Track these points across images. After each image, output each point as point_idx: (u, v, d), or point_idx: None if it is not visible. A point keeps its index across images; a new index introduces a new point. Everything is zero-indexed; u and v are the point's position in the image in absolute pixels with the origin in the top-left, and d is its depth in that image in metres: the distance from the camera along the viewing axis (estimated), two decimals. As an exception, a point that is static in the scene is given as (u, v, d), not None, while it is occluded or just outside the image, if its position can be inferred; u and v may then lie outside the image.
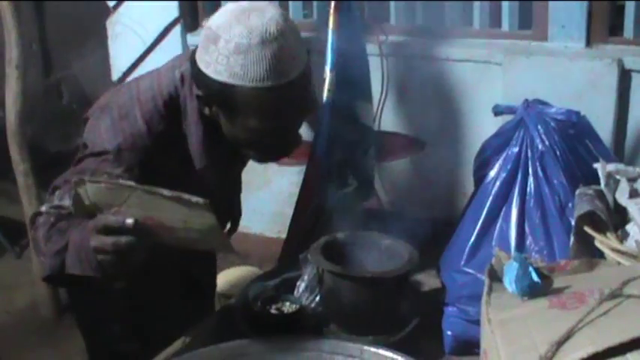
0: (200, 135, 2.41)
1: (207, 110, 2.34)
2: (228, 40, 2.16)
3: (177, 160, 2.42)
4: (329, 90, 3.40)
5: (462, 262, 2.45)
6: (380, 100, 4.59)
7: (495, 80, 4.35)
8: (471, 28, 4.63)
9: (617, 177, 2.34)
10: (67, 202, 2.25)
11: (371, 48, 4.41)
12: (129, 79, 5.34)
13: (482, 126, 3.78)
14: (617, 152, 4.05)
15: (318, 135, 3.35)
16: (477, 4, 4.56)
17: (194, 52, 2.32)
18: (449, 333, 2.39)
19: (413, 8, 4.78)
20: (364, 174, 3.48)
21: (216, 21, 2.22)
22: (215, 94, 2.25)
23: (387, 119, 4.68)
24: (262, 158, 2.48)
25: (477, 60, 4.46)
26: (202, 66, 2.23)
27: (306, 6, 5.10)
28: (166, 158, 2.38)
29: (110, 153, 2.31)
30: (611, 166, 2.37)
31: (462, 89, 4.46)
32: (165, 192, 1.95)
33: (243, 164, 2.78)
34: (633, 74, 4.08)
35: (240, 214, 3.04)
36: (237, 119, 2.28)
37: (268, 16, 2.17)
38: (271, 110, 2.23)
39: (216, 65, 2.19)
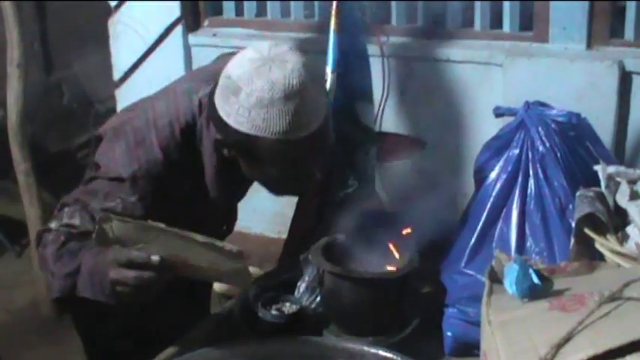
0: (214, 164, 2.40)
1: (225, 152, 2.31)
2: (249, 93, 2.11)
3: (191, 187, 2.41)
4: (330, 91, 3.40)
5: (463, 264, 2.45)
6: (381, 101, 4.59)
7: (496, 81, 4.35)
8: (471, 30, 4.64)
9: (618, 179, 2.34)
10: (77, 221, 2.27)
11: (372, 49, 4.41)
12: (130, 78, 5.35)
13: (483, 127, 3.79)
14: (618, 154, 4.05)
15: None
16: (477, 4, 4.57)
17: (212, 92, 2.26)
18: (449, 334, 2.39)
19: (414, 9, 4.78)
20: (365, 175, 3.48)
21: (236, 71, 2.16)
22: (235, 142, 2.22)
23: (388, 120, 4.68)
24: (279, 194, 2.47)
25: (477, 61, 4.46)
26: (222, 114, 2.19)
27: (307, 6, 5.10)
28: (180, 185, 2.38)
29: (125, 180, 2.31)
30: (611, 168, 2.37)
31: (462, 90, 4.47)
32: (199, 237, 1.97)
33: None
34: (634, 76, 4.09)
35: (235, 218, 3.02)
36: (256, 166, 2.27)
37: (290, 68, 2.11)
38: (291, 160, 2.22)
39: (237, 117, 2.15)
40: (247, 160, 2.28)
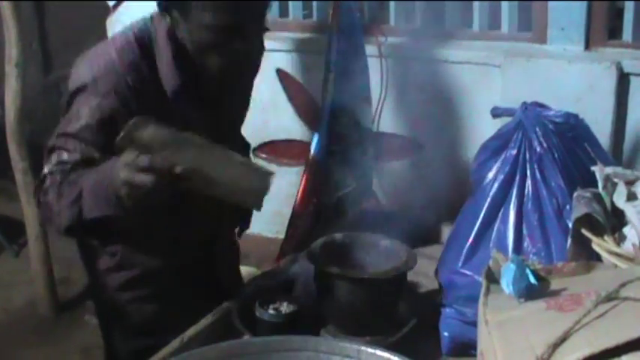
0: (169, 56, 2.46)
1: (168, 19, 2.43)
2: None
3: (155, 99, 2.46)
4: (328, 91, 3.40)
5: (460, 264, 2.46)
6: (379, 102, 4.59)
7: (494, 82, 4.36)
8: (470, 30, 4.64)
9: (615, 180, 2.35)
10: (65, 156, 2.34)
11: (370, 49, 4.42)
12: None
13: (481, 128, 3.79)
14: (615, 155, 4.06)
15: (317, 135, 3.36)
16: (476, 5, 4.57)
17: None
18: (446, 334, 2.40)
19: (412, 10, 4.78)
20: (363, 175, 3.49)
21: None
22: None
23: (386, 120, 4.68)
24: (222, 67, 2.44)
25: (476, 62, 4.47)
26: None
27: (306, 6, 5.10)
28: (143, 95, 2.43)
29: (87, 84, 2.38)
30: (608, 169, 2.37)
31: (460, 91, 4.47)
32: (238, 157, 2.01)
33: (230, 118, 2.79)
34: (632, 77, 4.09)
35: (249, 213, 3.05)
36: (193, 17, 2.35)
37: None
38: (223, 4, 2.32)
39: None
40: (185, 15, 2.37)
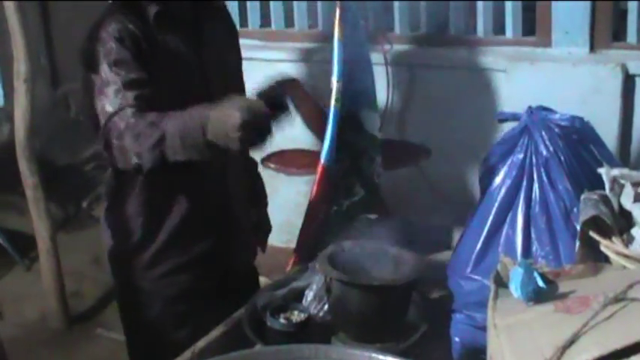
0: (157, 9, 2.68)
1: None
2: None
3: (146, 37, 2.65)
4: (336, 99, 3.41)
5: (469, 269, 2.46)
6: (385, 109, 4.60)
7: (499, 87, 4.37)
8: (474, 36, 4.65)
9: (622, 181, 2.35)
10: (119, 83, 2.51)
11: (376, 57, 4.43)
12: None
13: (487, 132, 3.80)
14: (622, 157, 4.06)
15: (325, 144, 3.36)
16: (480, 10, 4.58)
17: None
18: (457, 339, 2.40)
19: (417, 16, 4.79)
20: (371, 183, 3.50)
21: None
22: None
23: (393, 127, 4.69)
24: None
25: (481, 67, 4.48)
26: None
27: (311, 16, 5.12)
28: (139, 35, 2.63)
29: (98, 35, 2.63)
30: (615, 171, 2.37)
31: (466, 96, 4.47)
32: None
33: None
34: (637, 79, 4.10)
35: (269, 228, 3.16)
36: None
37: None
38: None
39: None
40: None
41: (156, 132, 2.38)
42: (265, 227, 3.26)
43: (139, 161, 2.42)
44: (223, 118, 2.29)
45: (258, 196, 3.24)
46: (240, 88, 3.05)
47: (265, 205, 3.28)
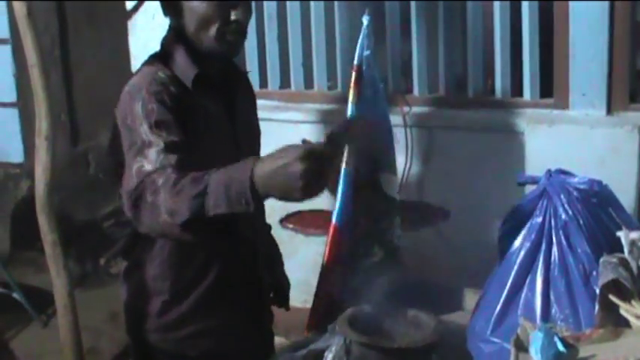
0: (183, 53, 2.68)
1: (170, 11, 2.69)
2: None
3: (182, 97, 2.64)
4: (347, 162, 3.42)
5: (489, 332, 2.47)
6: (404, 171, 4.62)
7: (518, 149, 4.37)
8: (493, 97, 4.67)
9: (640, 244, 2.35)
10: (161, 145, 2.47)
11: (395, 119, 4.46)
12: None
13: (506, 195, 3.80)
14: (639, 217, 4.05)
15: (337, 205, 3.38)
16: (498, 72, 4.60)
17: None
18: (477, 403, 2.40)
19: (436, 79, 4.82)
20: (390, 244, 3.51)
21: None
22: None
23: (412, 189, 4.70)
24: (226, 35, 2.67)
25: (499, 129, 4.49)
26: None
27: (331, 77, 5.15)
28: (176, 95, 2.62)
29: (138, 92, 2.58)
30: (634, 234, 2.38)
31: (485, 158, 4.48)
32: None
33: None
34: (655, 141, 4.10)
35: (289, 286, 3.22)
36: (190, 13, 2.62)
37: None
38: None
39: None
40: (181, 6, 2.64)
41: (198, 185, 2.32)
42: (285, 286, 3.26)
43: (171, 219, 2.40)
44: (281, 168, 2.21)
45: (274, 256, 3.25)
46: (259, 151, 3.08)
47: (282, 264, 3.29)
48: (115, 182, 2.61)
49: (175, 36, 2.73)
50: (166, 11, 2.72)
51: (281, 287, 3.22)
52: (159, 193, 2.36)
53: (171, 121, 2.53)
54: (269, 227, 3.23)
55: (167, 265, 2.78)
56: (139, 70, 2.71)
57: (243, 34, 2.73)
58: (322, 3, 5.00)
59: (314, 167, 2.17)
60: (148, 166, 2.44)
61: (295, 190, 2.20)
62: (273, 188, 2.24)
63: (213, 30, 2.64)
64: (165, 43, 2.76)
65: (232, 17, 2.63)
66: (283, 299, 3.23)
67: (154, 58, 2.72)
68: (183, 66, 2.69)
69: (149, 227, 2.44)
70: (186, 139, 2.53)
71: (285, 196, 2.25)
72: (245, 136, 2.87)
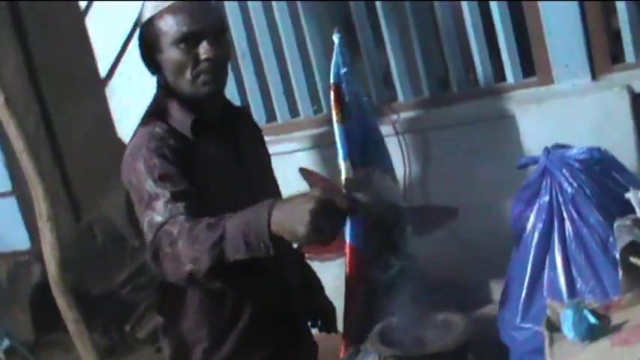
0: (176, 104, 2.72)
1: (153, 69, 2.74)
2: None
3: (185, 147, 2.66)
4: (346, 179, 3.40)
5: (518, 319, 2.45)
6: (404, 177, 4.60)
7: (512, 133, 4.36)
8: (477, 88, 4.65)
9: (652, 201, 2.34)
10: (167, 196, 2.50)
11: (385, 129, 4.45)
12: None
13: (510, 180, 3.77)
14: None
15: (350, 225, 3.36)
16: (477, 62, 4.58)
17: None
18: (521, 391, 2.39)
19: (418, 82, 4.82)
20: (405, 253, 3.48)
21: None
22: (148, 38, 2.70)
23: (415, 194, 4.69)
24: (200, 76, 2.69)
25: (490, 117, 4.47)
26: (139, 29, 2.73)
27: (315, 102, 5.14)
28: (177, 147, 2.65)
29: (141, 151, 2.61)
30: (642, 193, 2.37)
31: (482, 149, 4.47)
32: None
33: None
34: (644, 96, 4.08)
35: (332, 308, 3.21)
36: (165, 42, 2.67)
37: None
38: (184, 18, 2.64)
39: (144, 13, 2.70)
40: (162, 49, 2.68)
41: (215, 232, 2.34)
42: (330, 310, 3.24)
43: (195, 267, 2.38)
44: (292, 214, 2.25)
45: (311, 283, 3.25)
46: (275, 185, 3.08)
47: (322, 289, 3.28)
48: (124, 249, 2.62)
49: (165, 90, 2.76)
50: (150, 69, 2.77)
51: (326, 313, 3.21)
52: (176, 244, 2.38)
53: (175, 173, 2.55)
54: (300, 255, 3.23)
55: (201, 314, 2.77)
56: (136, 132, 2.73)
57: (219, 69, 2.74)
58: (292, 33, 5.01)
59: (322, 214, 2.20)
60: (158, 218, 2.46)
61: (307, 241, 2.25)
62: (288, 237, 2.26)
63: (187, 75, 2.67)
64: (157, 99, 2.79)
65: (203, 57, 2.66)
66: (330, 324, 3.22)
67: (148, 117, 2.75)
68: (179, 117, 2.71)
69: (175, 277, 2.46)
70: (192, 187, 2.54)
71: (295, 241, 2.28)
72: (254, 172, 2.87)
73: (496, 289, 3.06)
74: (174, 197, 2.48)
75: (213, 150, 2.74)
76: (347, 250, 3.17)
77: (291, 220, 2.23)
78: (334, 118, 3.55)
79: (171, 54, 2.67)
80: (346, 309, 3.37)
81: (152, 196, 2.51)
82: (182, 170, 2.57)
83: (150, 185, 2.53)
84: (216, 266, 2.35)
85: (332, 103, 3.58)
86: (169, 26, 2.66)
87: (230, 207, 2.41)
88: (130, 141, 2.73)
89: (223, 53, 2.74)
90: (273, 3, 5.00)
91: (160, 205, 2.48)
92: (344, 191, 2.36)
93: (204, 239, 2.34)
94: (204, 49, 2.66)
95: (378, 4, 4.67)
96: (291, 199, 2.29)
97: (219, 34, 2.73)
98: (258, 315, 2.80)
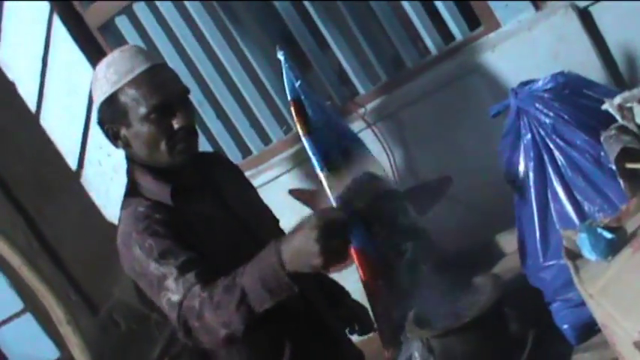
0: (149, 177, 2.72)
1: (120, 144, 2.72)
2: (99, 68, 2.70)
3: (173, 216, 2.65)
4: (330, 187, 3.38)
5: (541, 260, 2.45)
6: (391, 164, 4.59)
7: (479, 86, 4.36)
8: (430, 56, 4.65)
9: (628, 105, 2.34)
10: (177, 269, 2.49)
11: (357, 125, 4.46)
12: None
13: (491, 132, 3.77)
14: (617, 83, 4.03)
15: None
16: (422, 31, 4.58)
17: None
18: (565, 326, 2.38)
19: (371, 69, 4.82)
20: (414, 234, 3.47)
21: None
22: (111, 114, 2.67)
23: (407, 176, 4.68)
24: (176, 146, 2.67)
25: (452, 80, 4.47)
26: (98, 107, 2.70)
27: (282, 123, 5.14)
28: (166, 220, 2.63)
29: (131, 236, 2.61)
30: (617, 99, 2.37)
31: (455, 112, 4.45)
32: None
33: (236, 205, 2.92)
34: (589, 9, 4.08)
35: (363, 308, 3.24)
36: (133, 117, 2.64)
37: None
38: (149, 90, 2.61)
39: (101, 90, 2.67)
40: (127, 122, 2.66)
41: (234, 293, 2.34)
42: (361, 312, 3.23)
43: (229, 330, 2.39)
44: (301, 249, 2.26)
45: (335, 292, 3.24)
46: (270, 214, 3.08)
47: (347, 294, 3.27)
48: (149, 325, 2.61)
49: (135, 164, 2.75)
50: (116, 144, 2.74)
51: (358, 315, 3.20)
52: (203, 316, 2.38)
53: (172, 246, 2.54)
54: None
55: (245, 358, 2.77)
56: (121, 216, 2.71)
57: (192, 135, 2.73)
58: (239, 65, 5.02)
59: (332, 241, 2.22)
60: (175, 297, 2.45)
61: (318, 267, 2.22)
62: (302, 269, 2.25)
63: (162, 146, 2.64)
64: (130, 176, 2.77)
65: (175, 126, 2.63)
66: (366, 325, 3.21)
67: (126, 197, 2.74)
68: (156, 189, 2.69)
69: (214, 345, 2.46)
70: (195, 253, 2.53)
71: (312, 271, 2.26)
72: (246, 213, 2.87)
73: (507, 240, 3.05)
74: (181, 270, 2.48)
75: (199, 208, 2.73)
76: (354, 256, 3.16)
77: (304, 256, 2.23)
78: (300, 132, 3.55)
79: (142, 128, 2.64)
80: (373, 309, 3.36)
81: (160, 278, 2.51)
82: (177, 241, 2.56)
83: (154, 268, 2.53)
84: (249, 323, 2.36)
85: (295, 118, 3.58)
86: (135, 101, 2.62)
87: (235, 256, 2.41)
88: (118, 226, 2.72)
89: (193, 116, 2.73)
90: (213, 44, 5.01)
91: (171, 283, 2.48)
92: (335, 203, 2.36)
93: (227, 304, 2.34)
94: (177, 119, 2.63)
95: (310, 10, 4.67)
96: (293, 234, 2.29)
97: (185, 98, 2.71)
98: (298, 344, 2.80)
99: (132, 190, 2.75)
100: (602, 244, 1.81)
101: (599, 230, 1.84)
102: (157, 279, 2.52)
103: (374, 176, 3.09)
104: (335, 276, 3.38)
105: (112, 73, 2.65)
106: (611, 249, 1.80)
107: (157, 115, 2.61)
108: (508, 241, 2.97)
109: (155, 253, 2.53)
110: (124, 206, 2.73)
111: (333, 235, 2.22)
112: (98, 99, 2.69)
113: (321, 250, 2.19)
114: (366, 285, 3.18)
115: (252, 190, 3.13)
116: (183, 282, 2.46)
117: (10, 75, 5.53)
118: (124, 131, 2.68)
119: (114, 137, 2.72)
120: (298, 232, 2.26)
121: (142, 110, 2.61)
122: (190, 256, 2.52)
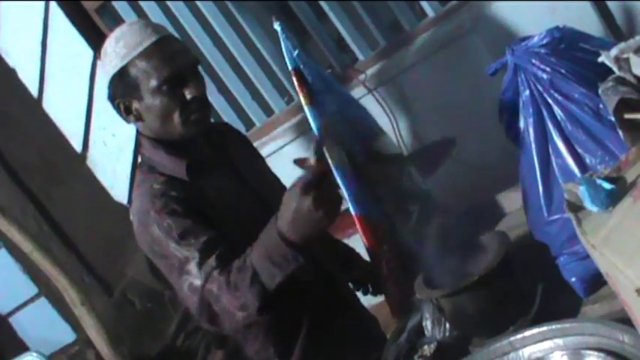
0: (162, 152, 2.74)
1: (132, 119, 2.73)
2: (108, 43, 2.71)
3: (191, 193, 2.68)
4: (332, 157, 3.38)
5: (545, 215, 2.45)
6: (394, 129, 4.60)
7: (478, 45, 4.36)
8: (427, 19, 4.64)
9: (625, 56, 2.34)
10: (197, 252, 2.51)
11: (358, 92, 4.47)
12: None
13: (491, 91, 3.78)
14: (614, 35, 4.02)
15: (348, 199, 3.34)
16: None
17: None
18: (573, 279, 2.38)
19: (369, 35, 4.82)
20: (419, 196, 3.48)
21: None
22: (122, 88, 2.68)
23: (411, 140, 4.70)
24: (190, 116, 2.69)
25: (450, 40, 4.47)
26: (109, 82, 2.71)
27: (283, 94, 5.15)
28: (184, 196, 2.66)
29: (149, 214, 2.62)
30: (614, 51, 2.37)
31: (454, 73, 4.47)
32: None
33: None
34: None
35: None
36: (145, 90, 2.65)
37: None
38: (160, 62, 2.63)
39: (111, 64, 2.67)
40: (139, 95, 2.67)
41: (246, 272, 2.38)
42: (372, 270, 3.22)
43: (246, 311, 2.41)
44: (296, 213, 2.29)
45: (348, 256, 3.25)
46: (280, 184, 3.10)
47: (358, 255, 3.28)
48: (164, 302, 2.63)
49: (146, 139, 2.75)
50: (127, 119, 2.74)
51: (370, 275, 3.19)
52: (221, 300, 2.41)
53: (192, 225, 2.55)
54: (328, 236, 3.21)
55: (264, 335, 2.80)
56: (134, 192, 2.73)
57: (205, 105, 2.73)
58: (238, 39, 5.02)
59: (319, 192, 2.24)
60: (197, 281, 2.47)
61: (320, 220, 2.23)
62: (306, 232, 2.26)
63: (176, 118, 2.64)
64: (141, 150, 2.78)
65: (188, 97, 2.63)
66: (379, 284, 3.19)
67: (141, 171, 2.74)
68: (170, 164, 2.71)
69: (233, 329, 2.49)
70: (213, 230, 2.53)
71: (318, 230, 2.27)
72: (262, 185, 2.89)
73: (511, 198, 3.06)
74: (203, 253, 2.49)
75: (215, 183, 2.73)
76: (356, 222, 3.17)
77: (302, 219, 2.26)
78: (302, 101, 3.54)
79: (154, 101, 2.64)
80: (380, 274, 3.36)
81: (182, 261, 2.51)
82: (196, 219, 2.56)
83: (174, 248, 2.54)
84: (265, 301, 2.37)
85: (297, 87, 3.58)
86: (147, 72, 2.62)
87: (254, 230, 2.42)
88: (133, 204, 2.72)
89: (204, 86, 2.73)
90: (210, 18, 5.01)
91: (193, 268, 2.49)
92: (313, 157, 2.36)
93: (241, 284, 2.37)
94: (189, 90, 2.63)
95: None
96: (283, 205, 2.32)
97: (196, 68, 2.72)
98: (314, 317, 2.82)
99: (144, 166, 2.75)
100: (602, 195, 1.82)
101: (599, 181, 1.85)
102: (178, 262, 2.52)
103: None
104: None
105: (122, 47, 2.66)
106: (611, 199, 1.81)
107: (169, 87, 2.62)
108: (512, 199, 2.97)
109: (175, 233, 2.54)
110: (138, 183, 2.73)
111: (318, 184, 2.26)
112: (108, 74, 2.70)
113: (314, 204, 2.21)
114: (371, 250, 3.20)
115: (261, 161, 3.14)
116: (206, 267, 2.47)
117: (10, 61, 5.53)
118: (135, 105, 2.69)
119: (125, 112, 2.72)
120: (286, 201, 2.30)
121: (154, 82, 2.62)
122: (210, 235, 2.53)
